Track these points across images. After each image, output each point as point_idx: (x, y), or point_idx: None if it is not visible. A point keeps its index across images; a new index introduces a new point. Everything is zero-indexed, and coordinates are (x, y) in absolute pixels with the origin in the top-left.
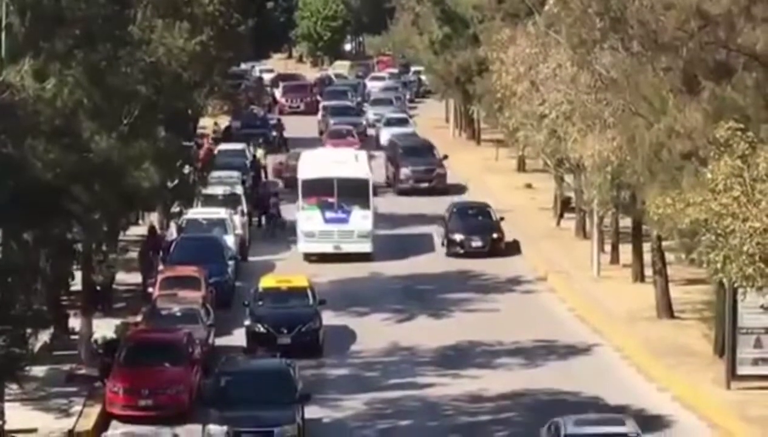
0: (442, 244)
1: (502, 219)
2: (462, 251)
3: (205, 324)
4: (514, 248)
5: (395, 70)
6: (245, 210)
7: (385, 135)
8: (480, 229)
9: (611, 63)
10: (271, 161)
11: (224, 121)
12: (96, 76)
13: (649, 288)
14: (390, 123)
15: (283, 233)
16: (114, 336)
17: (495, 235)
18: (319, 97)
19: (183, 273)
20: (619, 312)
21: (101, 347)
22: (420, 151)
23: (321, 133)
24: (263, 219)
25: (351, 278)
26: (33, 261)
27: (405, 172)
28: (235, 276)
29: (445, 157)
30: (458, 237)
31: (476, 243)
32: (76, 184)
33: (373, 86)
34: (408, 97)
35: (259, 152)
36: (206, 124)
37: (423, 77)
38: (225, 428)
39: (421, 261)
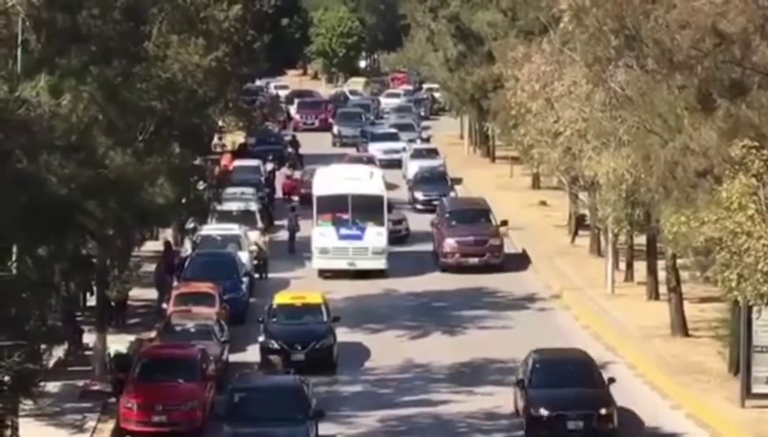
0: (517, 415)
1: (612, 380)
2: (552, 434)
3: (219, 340)
4: None
5: (410, 87)
6: (263, 226)
7: (413, 168)
8: (579, 400)
9: (626, 81)
10: (280, 176)
11: (239, 138)
12: (111, 92)
13: (663, 306)
14: (418, 155)
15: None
16: (124, 351)
17: (603, 410)
18: (331, 119)
19: (197, 290)
20: (633, 329)
21: (111, 362)
22: (471, 215)
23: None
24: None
25: (365, 295)
26: (47, 277)
27: (450, 243)
28: (250, 293)
29: (504, 222)
30: (544, 412)
31: (574, 423)
32: (90, 199)
33: (388, 103)
34: (422, 113)
35: (269, 166)
36: (227, 141)
37: (437, 94)
38: None
39: (435, 278)
